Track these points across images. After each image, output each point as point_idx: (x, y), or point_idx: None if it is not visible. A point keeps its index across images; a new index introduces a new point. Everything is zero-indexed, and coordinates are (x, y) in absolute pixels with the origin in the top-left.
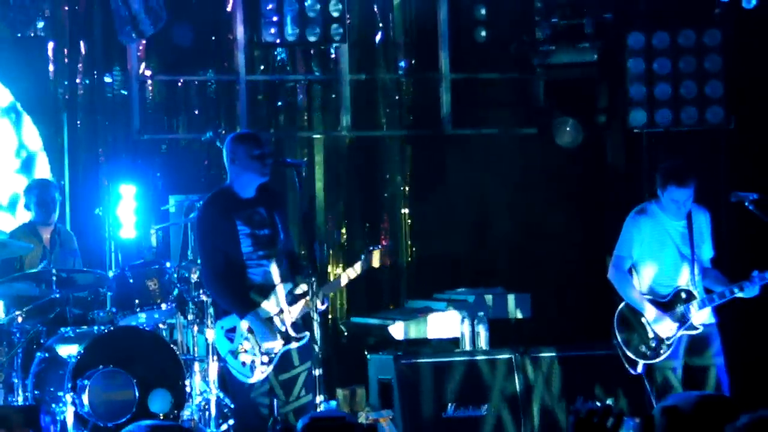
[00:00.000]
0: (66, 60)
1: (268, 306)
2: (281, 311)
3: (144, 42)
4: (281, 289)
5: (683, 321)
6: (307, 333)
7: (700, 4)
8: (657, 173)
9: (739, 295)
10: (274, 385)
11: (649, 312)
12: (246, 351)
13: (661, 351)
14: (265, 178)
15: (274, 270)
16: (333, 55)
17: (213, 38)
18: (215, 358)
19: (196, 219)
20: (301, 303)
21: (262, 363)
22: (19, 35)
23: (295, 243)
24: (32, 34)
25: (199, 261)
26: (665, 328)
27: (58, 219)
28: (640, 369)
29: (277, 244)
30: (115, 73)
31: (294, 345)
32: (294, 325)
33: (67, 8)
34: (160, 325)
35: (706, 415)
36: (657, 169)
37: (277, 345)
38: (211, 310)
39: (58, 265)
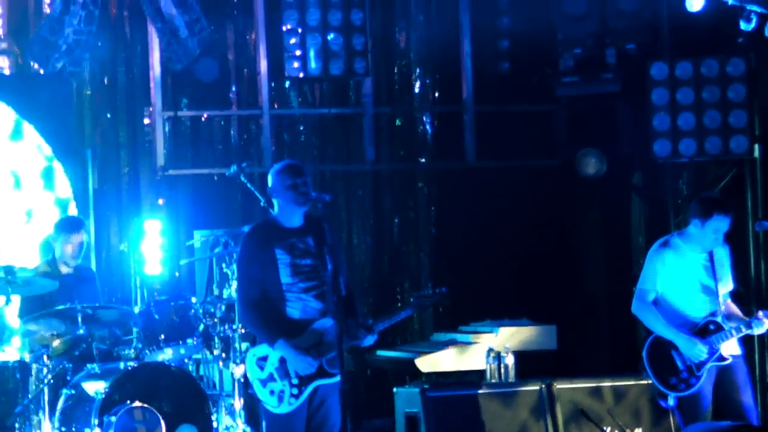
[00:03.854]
0: (91, 96)
1: (303, 340)
2: (319, 345)
3: (167, 77)
4: (321, 324)
5: (712, 352)
6: (337, 372)
7: (723, 34)
8: (695, 204)
9: (748, 332)
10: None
11: (680, 339)
12: (275, 380)
13: (692, 382)
14: (304, 206)
15: (315, 303)
16: (356, 89)
17: (236, 73)
18: (240, 391)
19: (236, 250)
20: (341, 341)
21: (291, 395)
22: (43, 72)
23: (343, 285)
24: (57, 71)
25: (225, 296)
26: (697, 352)
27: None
28: (671, 402)
29: (322, 276)
30: (140, 108)
31: (325, 381)
32: (329, 360)
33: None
34: (186, 361)
35: None
36: (694, 200)
37: (310, 369)
38: (237, 345)
39: (79, 302)
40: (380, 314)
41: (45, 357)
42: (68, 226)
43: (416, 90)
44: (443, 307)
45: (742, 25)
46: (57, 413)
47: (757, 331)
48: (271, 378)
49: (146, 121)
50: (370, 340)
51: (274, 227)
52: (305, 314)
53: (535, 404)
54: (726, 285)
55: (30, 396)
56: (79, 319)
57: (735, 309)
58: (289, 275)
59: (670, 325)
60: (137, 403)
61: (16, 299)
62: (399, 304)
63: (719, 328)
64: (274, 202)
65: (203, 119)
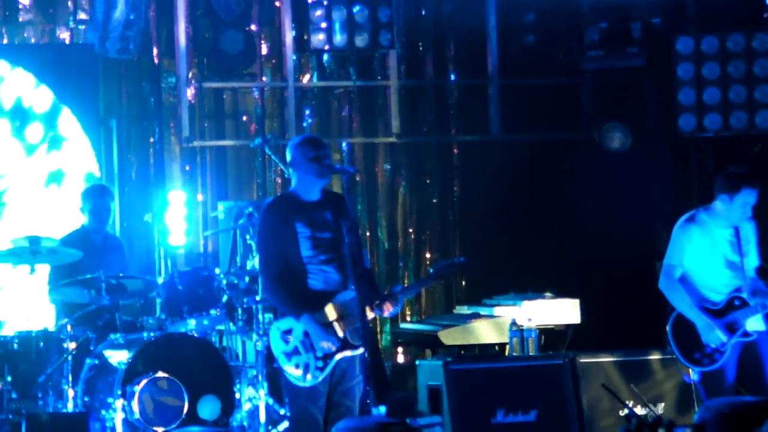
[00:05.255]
0: (116, 67)
1: (328, 311)
2: (342, 317)
3: (192, 49)
4: (344, 296)
5: (736, 328)
6: (362, 345)
7: (749, 9)
8: (721, 179)
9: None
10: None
11: (700, 321)
12: (300, 353)
13: (716, 358)
14: (324, 179)
15: (336, 275)
16: (381, 61)
17: (261, 45)
18: (263, 363)
19: (257, 224)
20: (365, 312)
21: (317, 368)
22: (68, 43)
23: (367, 258)
24: (82, 42)
25: (249, 267)
26: (715, 337)
27: (110, 225)
28: (695, 376)
29: (341, 249)
30: (164, 80)
31: (350, 353)
32: (354, 333)
33: (117, 16)
34: (209, 332)
35: (754, 419)
36: (720, 176)
37: (332, 347)
38: (260, 317)
39: (107, 272)
40: (402, 286)
41: (69, 326)
42: (95, 193)
43: (441, 63)
44: (467, 280)
45: None
46: (80, 383)
47: None
48: (296, 351)
49: (171, 92)
50: (395, 310)
51: (293, 201)
52: (327, 285)
53: (558, 378)
54: (752, 261)
55: (53, 366)
56: (104, 289)
57: (762, 285)
58: (310, 248)
59: (693, 306)
60: (160, 374)
61: (45, 269)
62: (420, 276)
63: (744, 303)
64: (293, 175)
65: (228, 91)
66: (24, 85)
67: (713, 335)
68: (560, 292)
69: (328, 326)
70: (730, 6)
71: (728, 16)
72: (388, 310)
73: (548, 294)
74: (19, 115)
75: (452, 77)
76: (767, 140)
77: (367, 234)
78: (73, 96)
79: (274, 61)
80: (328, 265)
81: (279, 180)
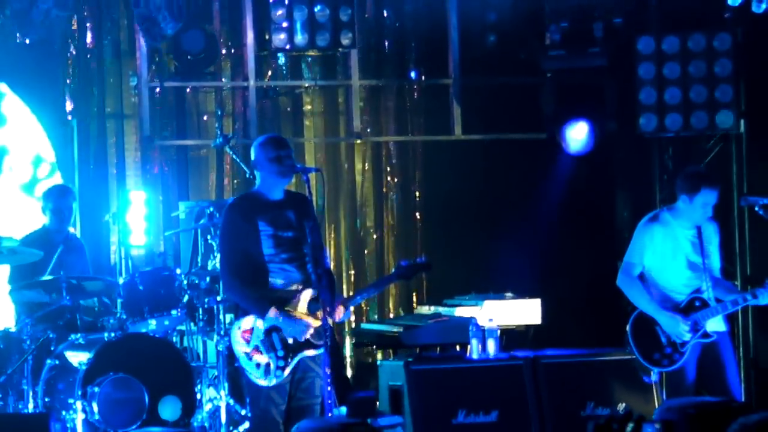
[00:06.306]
0: (77, 66)
1: (290, 309)
2: (303, 316)
3: (154, 48)
4: (305, 295)
5: (697, 329)
6: (322, 344)
7: (710, 9)
8: (681, 180)
9: (752, 302)
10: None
11: (663, 317)
12: (261, 353)
13: (675, 358)
14: (286, 178)
15: (297, 274)
16: (343, 61)
17: (223, 44)
18: (224, 363)
19: (220, 222)
20: (326, 309)
21: (278, 367)
22: (28, 41)
23: (328, 259)
24: (42, 40)
25: (210, 267)
26: (680, 331)
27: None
28: (654, 377)
29: (302, 248)
30: (126, 79)
31: (311, 352)
32: (315, 332)
33: (77, 15)
34: (170, 332)
35: (713, 419)
36: (680, 176)
37: (307, 335)
38: (221, 317)
39: (68, 273)
40: (359, 288)
41: (29, 327)
42: (57, 193)
43: (402, 62)
44: (428, 280)
45: (729, 0)
46: (40, 383)
47: (764, 300)
48: (257, 350)
49: (132, 91)
50: (344, 316)
51: (256, 199)
52: (288, 284)
53: (519, 378)
54: (715, 262)
55: (14, 366)
56: (64, 289)
57: (729, 284)
58: (272, 246)
59: (653, 302)
60: (121, 374)
61: (5, 269)
62: (382, 275)
63: (705, 304)
64: (257, 174)
65: (189, 90)
66: None
67: (678, 329)
68: (521, 293)
69: (298, 317)
70: (691, 6)
71: (689, 16)
72: (342, 313)
73: (509, 294)
74: None
75: (414, 77)
76: (728, 140)
77: (328, 234)
78: (34, 95)
79: (235, 61)
80: (290, 264)
81: (240, 179)
